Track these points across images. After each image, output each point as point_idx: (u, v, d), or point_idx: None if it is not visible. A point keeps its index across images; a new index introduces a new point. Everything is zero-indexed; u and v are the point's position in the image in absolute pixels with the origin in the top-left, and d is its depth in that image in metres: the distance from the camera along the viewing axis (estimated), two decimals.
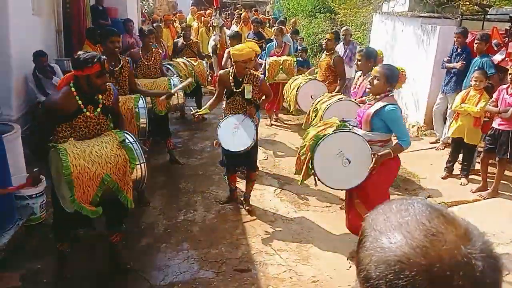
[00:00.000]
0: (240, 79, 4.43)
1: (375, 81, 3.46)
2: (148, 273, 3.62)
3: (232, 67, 4.53)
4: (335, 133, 3.55)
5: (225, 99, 4.67)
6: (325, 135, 3.57)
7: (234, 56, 4.34)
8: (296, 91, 6.28)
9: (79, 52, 3.12)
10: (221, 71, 4.71)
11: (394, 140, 3.61)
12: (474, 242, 0.67)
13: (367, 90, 3.70)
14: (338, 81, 6.17)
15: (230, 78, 4.46)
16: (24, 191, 4.09)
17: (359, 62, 4.88)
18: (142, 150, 3.24)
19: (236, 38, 6.86)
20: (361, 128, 3.57)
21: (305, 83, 6.26)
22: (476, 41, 5.81)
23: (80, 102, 3.07)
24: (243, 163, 4.70)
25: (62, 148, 2.89)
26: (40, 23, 6.63)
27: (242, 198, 4.86)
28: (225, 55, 7.21)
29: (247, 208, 4.73)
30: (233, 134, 4.35)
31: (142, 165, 3.21)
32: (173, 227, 4.38)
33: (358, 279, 0.73)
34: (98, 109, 3.17)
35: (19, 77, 5.88)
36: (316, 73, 6.92)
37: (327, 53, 6.31)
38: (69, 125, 3.09)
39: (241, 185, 5.04)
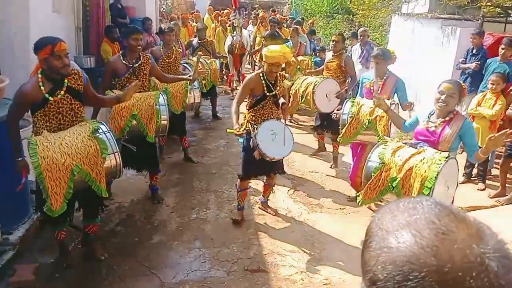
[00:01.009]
0: (272, 82, 4.20)
1: (450, 100, 3.22)
2: (159, 270, 3.63)
3: (261, 70, 4.30)
4: (446, 161, 3.12)
5: (248, 106, 4.34)
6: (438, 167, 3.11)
7: (265, 57, 4.15)
8: (313, 90, 6.10)
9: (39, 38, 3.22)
10: (251, 74, 4.39)
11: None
12: (487, 241, 0.63)
13: (438, 108, 3.31)
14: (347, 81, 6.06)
15: (262, 82, 4.18)
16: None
17: (377, 65, 4.65)
18: (116, 140, 3.35)
19: (271, 38, 6.85)
20: (437, 148, 3.29)
21: (320, 82, 6.00)
22: (502, 46, 5.60)
23: (43, 88, 3.11)
24: (271, 168, 4.42)
25: (32, 141, 3.01)
26: (59, 20, 6.71)
27: (261, 204, 4.75)
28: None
29: (273, 212, 4.64)
30: (273, 140, 4.16)
31: (116, 154, 3.31)
32: (185, 225, 4.38)
33: (364, 281, 0.69)
34: (62, 92, 3.17)
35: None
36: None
37: (335, 54, 6.23)
38: (43, 112, 3.14)
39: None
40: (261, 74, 4.21)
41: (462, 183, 5.56)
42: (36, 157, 2.91)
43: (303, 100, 6.37)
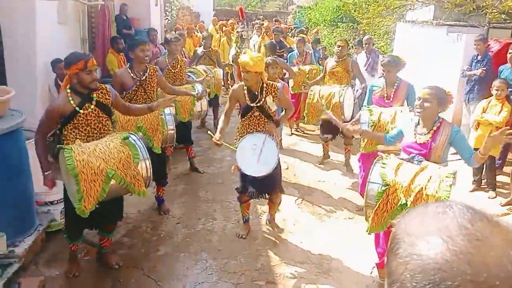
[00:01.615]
0: (256, 92, 4.02)
1: (426, 104, 3.16)
2: (166, 282, 3.58)
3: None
4: (454, 178, 3.00)
5: (239, 116, 4.24)
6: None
7: (240, 64, 4.05)
8: (340, 100, 5.69)
9: (70, 53, 3.37)
10: (235, 86, 4.28)
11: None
12: None
13: (416, 114, 3.28)
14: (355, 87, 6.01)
15: (245, 92, 4.04)
16: (45, 197, 4.13)
17: (388, 73, 4.60)
18: (146, 148, 3.43)
19: (270, 48, 6.84)
20: (429, 160, 3.19)
21: (345, 91, 5.72)
22: (510, 51, 5.55)
23: (72, 102, 3.25)
24: (266, 187, 4.16)
25: (67, 146, 3.12)
26: (65, 32, 6.75)
27: (267, 221, 4.56)
28: None
29: (278, 231, 4.45)
30: (253, 156, 3.91)
31: (146, 161, 3.38)
32: (192, 236, 4.33)
33: None
34: (92, 106, 3.31)
35: (44, 85, 5.97)
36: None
37: (338, 60, 6.17)
38: (72, 125, 3.27)
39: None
40: (244, 85, 4.07)
41: (472, 191, 5.49)
42: (71, 160, 2.99)
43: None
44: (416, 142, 3.27)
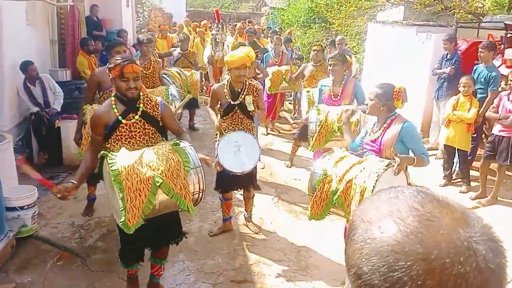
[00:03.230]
0: (239, 90, 4.09)
1: (370, 102, 3.28)
2: (142, 286, 3.50)
3: (227, 78, 4.23)
4: (385, 170, 3.02)
5: (220, 115, 4.23)
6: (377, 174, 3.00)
7: (228, 63, 4.08)
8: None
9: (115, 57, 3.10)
10: (216, 85, 4.32)
11: None
12: (473, 225, 0.60)
13: (367, 112, 3.40)
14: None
15: (225, 90, 4.09)
16: (15, 202, 4.01)
17: (334, 67, 4.69)
18: (197, 156, 3.00)
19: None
20: (381, 157, 3.23)
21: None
22: (480, 50, 5.67)
23: (116, 111, 2.98)
24: (244, 182, 4.26)
25: (110, 154, 2.81)
26: (34, 33, 6.58)
27: (245, 220, 4.56)
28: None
29: (255, 229, 4.44)
30: (236, 153, 3.98)
31: (198, 169, 2.94)
32: None
33: (349, 278, 0.65)
34: (136, 116, 3.01)
35: (13, 87, 5.80)
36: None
37: (315, 64, 6.25)
38: (116, 137, 2.99)
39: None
40: (226, 83, 4.12)
41: (444, 186, 5.62)
42: (116, 166, 2.68)
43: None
44: (370, 140, 3.37)
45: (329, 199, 3.21)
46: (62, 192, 2.83)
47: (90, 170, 3.08)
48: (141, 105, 3.05)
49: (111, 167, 2.68)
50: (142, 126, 3.04)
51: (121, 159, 2.74)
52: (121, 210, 2.65)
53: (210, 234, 4.35)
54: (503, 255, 0.61)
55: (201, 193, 2.99)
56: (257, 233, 4.41)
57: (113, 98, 3.03)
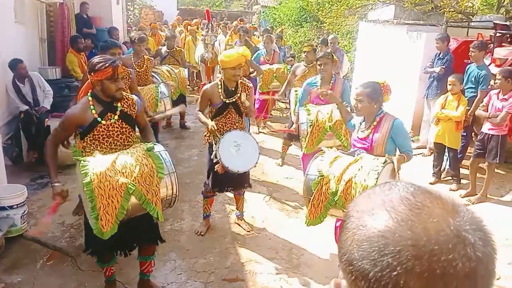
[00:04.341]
0: (232, 89, 4.07)
1: (359, 104, 3.27)
2: (133, 285, 3.49)
3: (220, 78, 4.20)
4: (383, 167, 3.04)
5: (211, 116, 4.18)
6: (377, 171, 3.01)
7: (223, 62, 4.04)
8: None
9: (95, 56, 3.04)
10: (208, 85, 4.22)
11: None
12: (462, 215, 0.62)
13: (357, 113, 3.39)
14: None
15: (219, 90, 4.04)
16: (4, 202, 3.97)
17: (324, 65, 4.71)
18: (171, 160, 3.01)
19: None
20: (373, 154, 3.25)
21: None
22: (471, 49, 5.68)
23: (94, 112, 2.94)
24: (235, 182, 4.24)
25: (83, 159, 2.78)
26: (23, 31, 6.51)
27: (237, 218, 4.56)
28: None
29: (247, 227, 4.43)
30: (236, 152, 3.95)
31: (172, 176, 2.97)
32: None
33: (341, 265, 0.66)
34: (116, 116, 3.00)
35: (1, 86, 5.74)
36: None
37: (307, 65, 6.27)
38: (93, 137, 2.96)
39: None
40: (219, 83, 4.10)
41: (433, 183, 5.67)
42: (88, 174, 2.65)
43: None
44: (358, 136, 3.38)
45: (329, 200, 3.17)
46: (64, 198, 2.94)
47: (55, 164, 3.02)
48: (119, 104, 3.03)
49: (82, 174, 2.66)
50: (120, 126, 3.04)
51: (93, 165, 2.71)
52: (94, 218, 2.65)
53: (202, 234, 4.33)
54: (491, 246, 0.62)
55: (174, 197, 3.03)
56: (249, 231, 4.41)
57: (90, 98, 2.97)
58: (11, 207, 3.99)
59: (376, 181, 2.92)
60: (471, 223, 0.61)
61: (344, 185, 3.08)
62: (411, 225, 0.60)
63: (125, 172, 2.77)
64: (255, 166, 4.11)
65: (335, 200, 3.13)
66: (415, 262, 0.57)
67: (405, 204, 0.63)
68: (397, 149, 3.35)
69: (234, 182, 4.21)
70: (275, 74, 7.33)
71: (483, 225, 0.63)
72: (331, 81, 4.80)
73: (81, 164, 2.70)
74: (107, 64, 2.87)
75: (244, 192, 4.50)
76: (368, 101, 3.24)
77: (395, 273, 0.57)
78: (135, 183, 2.76)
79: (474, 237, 0.60)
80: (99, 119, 2.94)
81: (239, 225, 4.51)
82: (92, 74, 2.90)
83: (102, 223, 2.67)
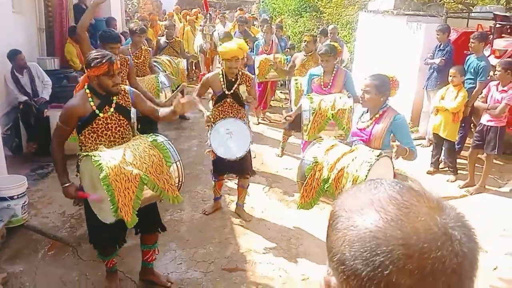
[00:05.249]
0: (233, 80, 4.15)
1: (366, 95, 3.24)
2: (134, 274, 3.53)
3: (222, 68, 4.27)
4: (377, 159, 3.03)
5: (212, 103, 4.35)
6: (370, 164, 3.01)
7: (220, 53, 4.14)
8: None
9: (92, 51, 3.03)
10: (210, 74, 4.39)
11: None
12: (448, 212, 0.65)
13: (363, 104, 3.36)
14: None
15: (221, 80, 4.13)
16: (5, 192, 3.98)
17: (327, 62, 4.77)
18: (175, 149, 3.09)
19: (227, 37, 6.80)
20: (370, 147, 3.25)
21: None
22: (471, 40, 5.67)
23: (92, 104, 2.96)
24: (237, 169, 4.34)
25: (93, 153, 2.77)
26: (20, 21, 6.47)
27: (235, 208, 4.59)
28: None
29: (247, 216, 4.46)
30: (228, 140, 4.05)
31: (178, 163, 3.06)
32: None
33: (332, 265, 0.68)
34: (111, 109, 3.02)
35: (0, 76, 5.72)
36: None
37: (307, 54, 6.27)
38: (91, 129, 2.98)
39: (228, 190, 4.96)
40: (220, 73, 4.19)
41: (432, 173, 5.70)
42: (103, 168, 2.65)
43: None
44: (357, 127, 3.39)
45: (320, 187, 3.23)
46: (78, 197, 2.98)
47: (64, 164, 3.02)
48: (114, 98, 3.05)
49: (98, 169, 2.66)
50: (117, 118, 3.06)
51: (106, 159, 2.73)
52: (114, 211, 2.68)
53: (206, 213, 4.50)
54: (475, 241, 0.65)
55: (180, 184, 3.11)
56: (249, 221, 4.44)
57: (88, 91, 2.99)
58: (11, 198, 4.00)
59: (368, 173, 2.93)
60: (456, 220, 0.65)
61: (336, 174, 3.12)
62: (401, 224, 0.62)
63: (136, 163, 2.82)
64: (247, 156, 4.16)
65: (326, 187, 3.17)
66: (406, 261, 0.60)
67: (394, 203, 0.66)
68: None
69: (235, 168, 4.28)
70: (271, 63, 7.32)
71: (466, 220, 0.67)
72: (333, 72, 4.85)
73: (93, 159, 2.70)
74: (103, 61, 2.87)
75: (248, 185, 4.53)
76: (375, 93, 3.22)
77: (387, 271, 0.60)
78: (147, 173, 2.83)
79: (460, 233, 0.63)
80: (97, 111, 2.96)
81: (239, 215, 4.54)
82: (89, 69, 2.91)
83: (123, 214, 2.72)
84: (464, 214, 0.68)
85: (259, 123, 7.90)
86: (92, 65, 2.87)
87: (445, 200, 0.69)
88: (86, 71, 2.96)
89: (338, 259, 0.66)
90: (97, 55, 2.92)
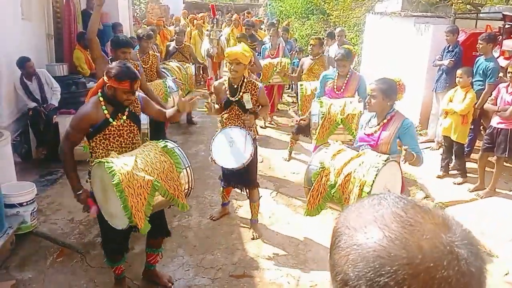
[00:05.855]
0: (235, 87, 4.09)
1: (372, 100, 3.22)
2: (142, 280, 3.54)
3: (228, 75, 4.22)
4: (384, 165, 2.99)
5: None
6: (377, 168, 2.96)
7: (225, 55, 4.13)
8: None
9: (117, 63, 3.04)
10: (216, 82, 4.36)
11: None
12: (454, 230, 0.63)
13: (369, 109, 3.33)
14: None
15: (225, 86, 4.12)
16: (14, 199, 4.01)
17: (343, 67, 4.74)
18: (185, 155, 3.15)
19: (244, 39, 6.77)
20: (377, 151, 3.22)
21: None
22: (479, 41, 5.59)
23: (106, 112, 2.97)
24: (241, 180, 4.25)
25: (106, 159, 2.79)
26: (30, 28, 6.54)
27: (250, 224, 4.43)
28: None
29: (256, 235, 4.24)
30: (229, 148, 3.99)
31: (188, 169, 3.11)
32: None
33: (335, 284, 0.67)
34: (124, 117, 3.04)
35: (9, 83, 5.78)
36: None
37: (313, 58, 6.24)
38: (103, 136, 2.99)
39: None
40: (225, 80, 4.18)
41: (442, 177, 5.63)
42: (115, 174, 2.67)
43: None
44: (365, 133, 3.35)
45: (327, 193, 3.20)
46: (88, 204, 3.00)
47: (76, 171, 3.03)
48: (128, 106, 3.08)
49: (111, 175, 2.68)
50: (129, 125, 3.09)
51: (118, 165, 2.74)
52: (128, 217, 2.72)
53: (213, 219, 4.49)
54: (482, 259, 0.63)
55: (190, 190, 3.19)
56: (254, 239, 4.24)
57: (101, 99, 3.00)
58: (21, 205, 4.04)
59: (375, 178, 2.90)
60: (462, 237, 0.62)
61: (343, 179, 3.08)
62: (405, 243, 0.60)
63: (148, 170, 2.86)
64: (247, 169, 4.01)
65: (333, 193, 3.14)
66: (411, 281, 0.58)
67: (397, 221, 0.64)
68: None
69: (239, 178, 4.21)
70: (275, 68, 7.31)
71: (473, 237, 0.64)
72: (347, 76, 4.81)
73: (106, 166, 2.72)
74: (126, 78, 2.88)
75: (260, 197, 4.41)
76: (382, 97, 3.20)
77: None
78: (159, 179, 2.87)
79: (467, 252, 0.61)
80: (110, 119, 2.98)
81: (253, 229, 4.37)
82: (109, 79, 2.91)
83: (136, 220, 2.76)
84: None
85: (266, 126, 7.89)
86: (112, 77, 2.88)
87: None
88: (105, 78, 2.94)
89: (342, 279, 0.64)
90: (121, 69, 2.90)
